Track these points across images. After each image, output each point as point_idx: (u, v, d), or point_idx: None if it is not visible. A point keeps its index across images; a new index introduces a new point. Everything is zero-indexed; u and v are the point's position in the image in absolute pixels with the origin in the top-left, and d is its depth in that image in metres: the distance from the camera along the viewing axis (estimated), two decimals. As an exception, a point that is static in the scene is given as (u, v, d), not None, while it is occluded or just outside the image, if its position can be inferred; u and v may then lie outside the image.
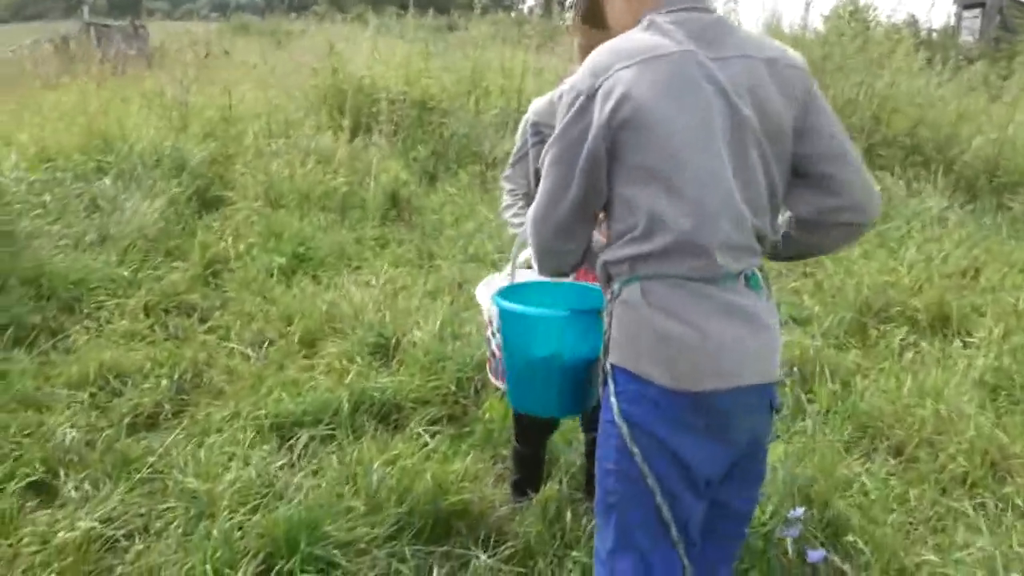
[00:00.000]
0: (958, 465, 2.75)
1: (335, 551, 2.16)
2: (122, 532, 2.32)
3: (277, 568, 2.09)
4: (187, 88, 6.99)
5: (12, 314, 3.61)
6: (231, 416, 2.93)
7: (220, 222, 5.16)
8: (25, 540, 2.22)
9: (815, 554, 2.14)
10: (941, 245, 4.94)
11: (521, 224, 2.10)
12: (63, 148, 5.76)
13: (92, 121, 6.09)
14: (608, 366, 1.44)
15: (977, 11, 15.73)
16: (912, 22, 10.24)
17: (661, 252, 1.35)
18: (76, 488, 2.48)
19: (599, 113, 1.35)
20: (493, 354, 2.20)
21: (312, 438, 2.78)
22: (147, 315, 3.85)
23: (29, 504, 2.42)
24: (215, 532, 2.16)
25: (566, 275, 1.64)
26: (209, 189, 5.66)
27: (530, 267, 1.75)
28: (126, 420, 2.93)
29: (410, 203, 5.82)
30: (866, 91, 6.90)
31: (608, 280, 1.47)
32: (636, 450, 1.38)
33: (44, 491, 2.51)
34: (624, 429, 1.39)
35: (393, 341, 3.52)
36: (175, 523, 2.31)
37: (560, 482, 2.54)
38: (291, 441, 2.77)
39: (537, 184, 1.50)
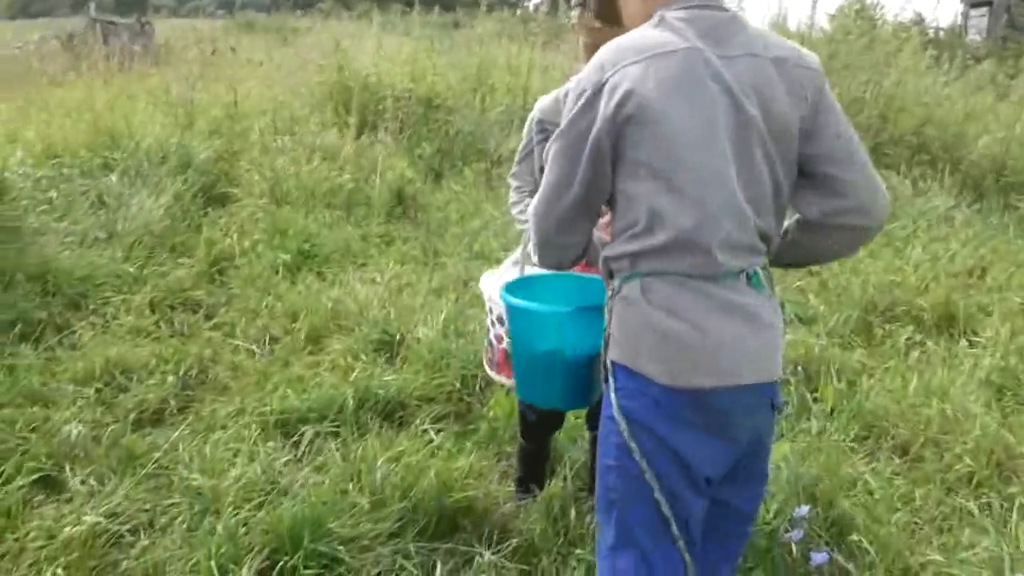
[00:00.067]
0: (964, 465, 2.74)
1: (339, 547, 2.17)
2: (127, 527, 2.33)
3: (281, 564, 2.09)
4: (193, 85, 7.00)
5: (18, 310, 3.63)
6: (236, 412, 2.95)
7: (226, 219, 5.19)
8: (31, 534, 2.24)
9: (819, 556, 2.13)
10: (947, 244, 4.93)
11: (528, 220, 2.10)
12: (69, 145, 5.78)
13: (98, 118, 6.10)
14: (608, 362, 1.44)
15: (984, 10, 15.68)
16: (919, 21, 10.24)
17: (661, 249, 1.35)
18: (82, 483, 2.49)
19: (604, 108, 1.34)
20: (491, 343, 2.20)
21: (317, 434, 2.79)
22: (153, 311, 3.87)
23: (35, 499, 2.44)
24: (220, 528, 2.17)
25: (566, 269, 1.64)
26: (215, 186, 5.67)
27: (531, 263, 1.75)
28: (132, 416, 2.95)
29: (415, 200, 5.82)
30: (872, 90, 6.86)
31: (610, 276, 1.47)
32: (635, 447, 1.38)
33: (50, 486, 2.52)
34: (624, 426, 1.39)
35: (398, 338, 3.53)
36: (180, 518, 2.32)
37: (564, 479, 2.54)
38: (296, 437, 2.78)
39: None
